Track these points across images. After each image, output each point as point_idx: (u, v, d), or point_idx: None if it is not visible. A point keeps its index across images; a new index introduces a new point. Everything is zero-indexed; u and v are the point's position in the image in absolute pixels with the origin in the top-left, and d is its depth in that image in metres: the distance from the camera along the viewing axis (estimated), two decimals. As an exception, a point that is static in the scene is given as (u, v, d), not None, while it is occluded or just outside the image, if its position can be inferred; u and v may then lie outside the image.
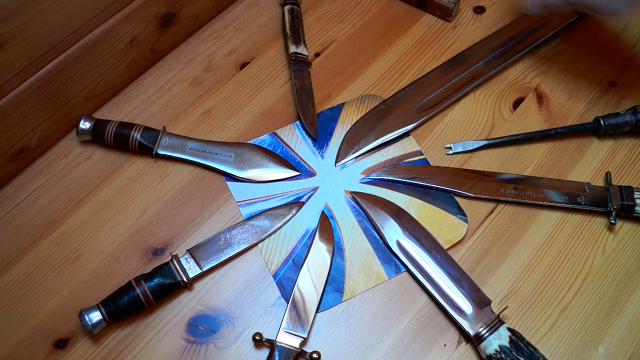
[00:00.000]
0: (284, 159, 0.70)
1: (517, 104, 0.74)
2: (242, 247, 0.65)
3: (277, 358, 0.58)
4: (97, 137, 0.69)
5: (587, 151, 0.71)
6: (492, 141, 0.71)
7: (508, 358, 0.57)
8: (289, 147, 0.71)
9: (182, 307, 0.62)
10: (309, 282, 0.62)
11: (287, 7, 0.78)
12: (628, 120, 0.70)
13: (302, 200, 0.68)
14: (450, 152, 0.71)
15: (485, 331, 0.59)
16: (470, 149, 0.71)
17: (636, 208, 0.65)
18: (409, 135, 0.72)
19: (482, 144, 0.71)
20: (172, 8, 0.73)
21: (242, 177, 0.69)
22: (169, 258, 0.63)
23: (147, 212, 0.67)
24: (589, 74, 0.76)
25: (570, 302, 0.63)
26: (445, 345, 0.61)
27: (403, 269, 0.64)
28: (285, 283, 0.63)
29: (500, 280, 0.64)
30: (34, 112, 0.66)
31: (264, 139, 0.72)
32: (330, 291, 0.63)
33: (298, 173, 0.69)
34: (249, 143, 0.71)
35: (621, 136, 0.72)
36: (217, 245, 0.64)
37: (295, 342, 0.59)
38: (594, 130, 0.71)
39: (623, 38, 0.79)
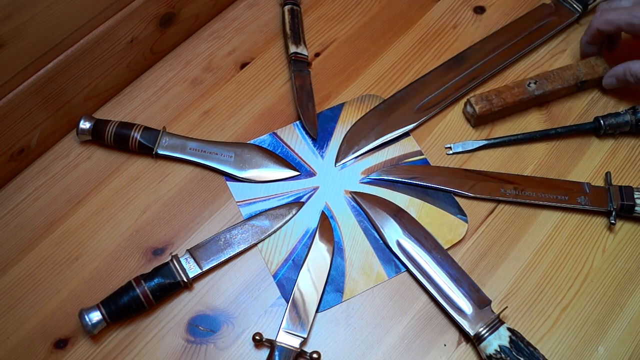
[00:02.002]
0: (284, 159, 0.70)
1: (517, 104, 0.74)
2: (242, 247, 0.65)
3: (277, 358, 0.58)
4: (97, 137, 0.69)
5: (587, 151, 0.71)
6: (492, 141, 0.71)
7: (508, 358, 0.57)
8: (289, 147, 0.71)
9: (182, 307, 0.62)
10: (309, 282, 0.62)
11: (287, 7, 0.78)
12: (628, 120, 0.70)
13: (302, 200, 0.68)
14: (450, 152, 0.71)
15: (485, 331, 0.59)
16: (470, 149, 0.71)
17: (636, 208, 0.65)
18: (409, 135, 0.72)
19: (482, 144, 0.71)
20: (172, 8, 0.73)
21: (242, 177, 0.69)
22: (169, 258, 0.63)
23: (147, 212, 0.67)
24: (589, 74, 0.76)
25: (570, 302, 0.63)
26: (445, 345, 0.61)
27: (403, 269, 0.64)
28: (285, 283, 0.63)
29: (500, 280, 0.64)
30: (34, 112, 0.66)
31: (264, 139, 0.72)
32: (330, 291, 0.63)
33: (298, 173, 0.69)
34: (249, 143, 0.71)
35: (621, 136, 0.72)
36: (217, 245, 0.64)
37: (295, 342, 0.59)
38: (594, 130, 0.71)
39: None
